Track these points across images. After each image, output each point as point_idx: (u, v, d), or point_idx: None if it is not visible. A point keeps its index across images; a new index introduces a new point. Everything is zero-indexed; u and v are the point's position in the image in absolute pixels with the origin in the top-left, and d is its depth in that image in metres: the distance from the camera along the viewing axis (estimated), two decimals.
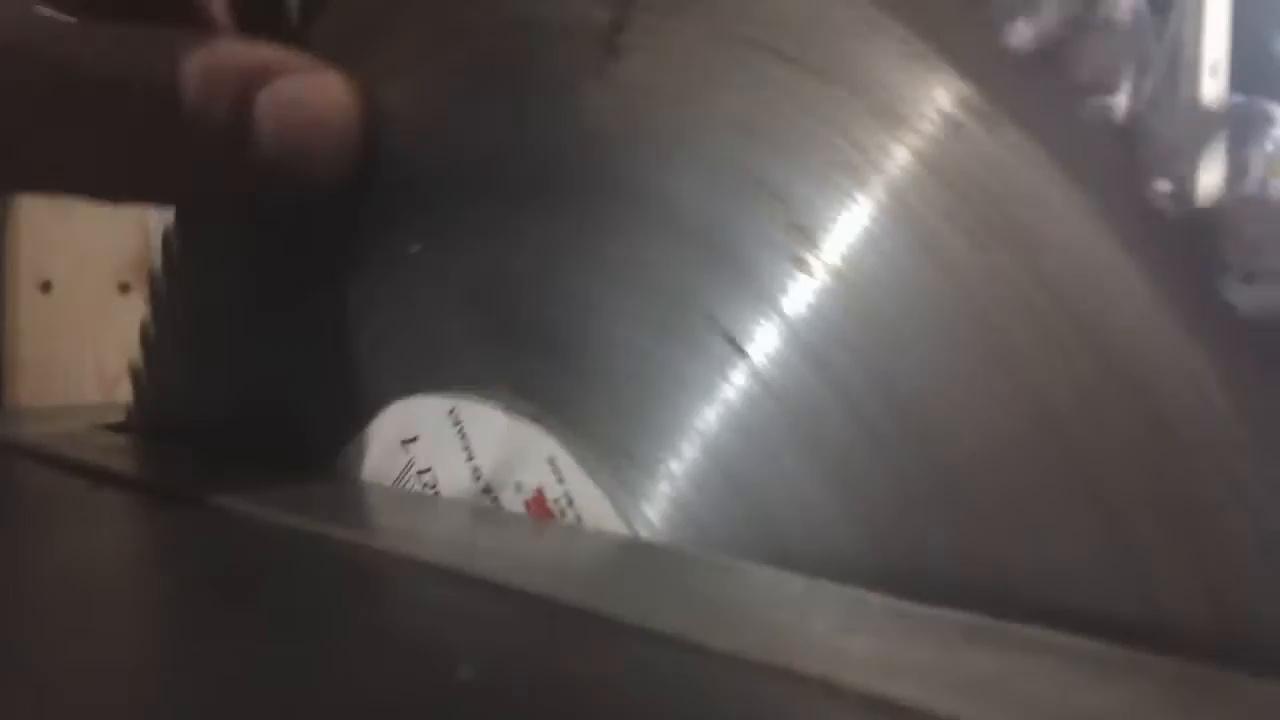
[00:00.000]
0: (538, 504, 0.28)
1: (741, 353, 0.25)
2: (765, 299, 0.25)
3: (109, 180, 0.28)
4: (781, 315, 0.24)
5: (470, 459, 0.29)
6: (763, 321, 0.25)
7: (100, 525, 0.28)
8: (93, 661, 0.18)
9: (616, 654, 0.18)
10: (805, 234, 0.24)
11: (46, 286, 0.64)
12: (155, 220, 0.65)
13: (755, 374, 0.25)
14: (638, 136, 0.27)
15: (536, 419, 0.28)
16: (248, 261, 0.36)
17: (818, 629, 0.19)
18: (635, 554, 0.24)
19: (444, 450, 0.30)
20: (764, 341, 0.25)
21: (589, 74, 0.27)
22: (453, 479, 0.29)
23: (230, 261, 0.36)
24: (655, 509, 0.26)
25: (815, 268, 0.24)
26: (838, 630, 0.19)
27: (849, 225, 0.24)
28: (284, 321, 0.34)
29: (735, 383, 0.25)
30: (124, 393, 0.40)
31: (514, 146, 0.29)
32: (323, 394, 0.33)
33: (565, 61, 0.28)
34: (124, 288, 0.65)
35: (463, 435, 0.30)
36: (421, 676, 0.18)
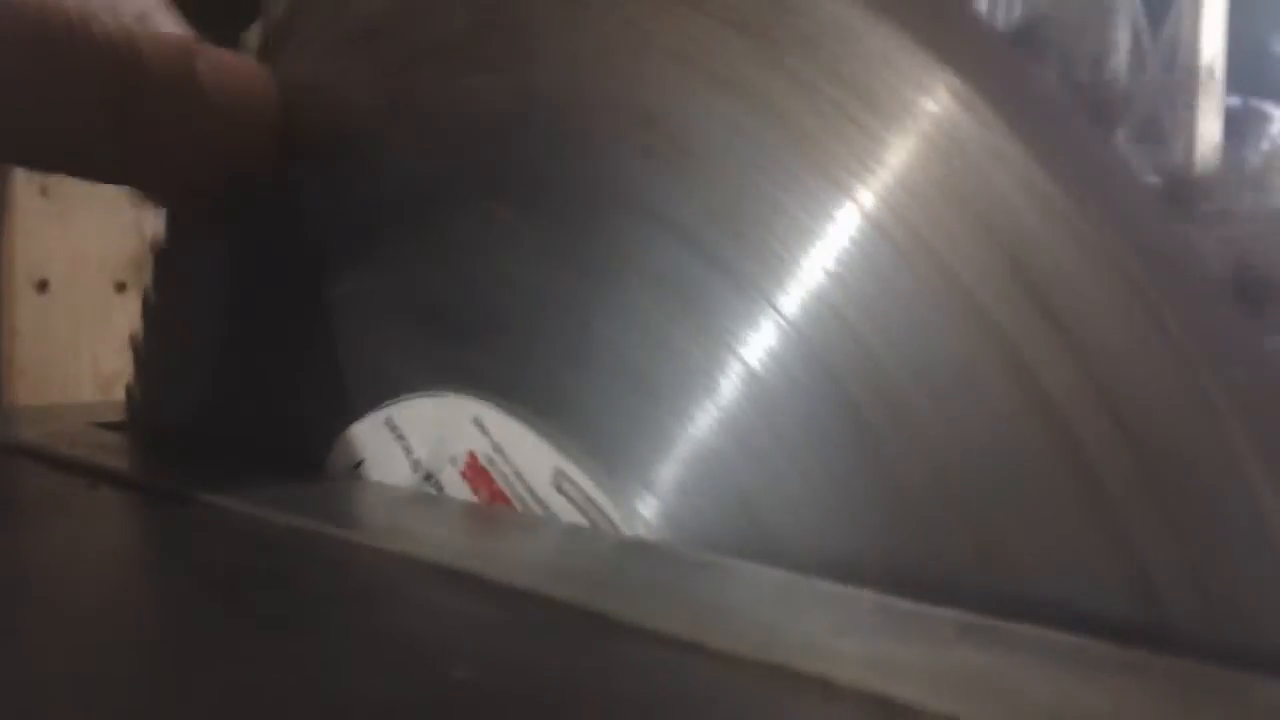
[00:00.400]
0: (472, 469, 0.29)
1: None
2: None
3: (87, 149, 0.30)
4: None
5: (409, 454, 0.30)
6: None
7: (98, 524, 0.28)
8: (91, 660, 0.18)
9: (612, 653, 0.18)
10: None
11: (43, 286, 0.64)
12: (152, 220, 0.65)
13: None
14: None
15: (458, 389, 0.29)
16: (220, 299, 0.36)
17: (814, 628, 0.19)
18: (632, 553, 0.24)
19: (387, 459, 0.30)
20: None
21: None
22: (399, 481, 0.30)
23: (206, 292, 0.37)
24: (572, 434, 0.27)
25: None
26: (833, 629, 0.19)
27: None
28: (253, 351, 0.35)
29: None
30: (121, 392, 0.40)
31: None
32: (287, 437, 0.34)
33: None
34: (120, 287, 0.65)
35: (400, 437, 0.30)
36: (417, 677, 0.18)
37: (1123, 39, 1.62)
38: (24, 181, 0.64)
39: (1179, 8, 1.66)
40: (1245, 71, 1.64)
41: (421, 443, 0.30)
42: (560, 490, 0.27)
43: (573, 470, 0.27)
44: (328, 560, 0.23)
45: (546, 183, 0.28)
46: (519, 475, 0.28)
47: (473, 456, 0.29)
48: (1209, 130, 1.54)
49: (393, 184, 0.32)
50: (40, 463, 0.33)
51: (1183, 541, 0.21)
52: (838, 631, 0.19)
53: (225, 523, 0.26)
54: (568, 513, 0.27)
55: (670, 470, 0.25)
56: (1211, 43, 1.55)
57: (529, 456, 0.28)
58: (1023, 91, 0.23)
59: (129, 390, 0.39)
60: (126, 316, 0.40)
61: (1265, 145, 1.74)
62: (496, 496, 0.28)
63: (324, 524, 0.25)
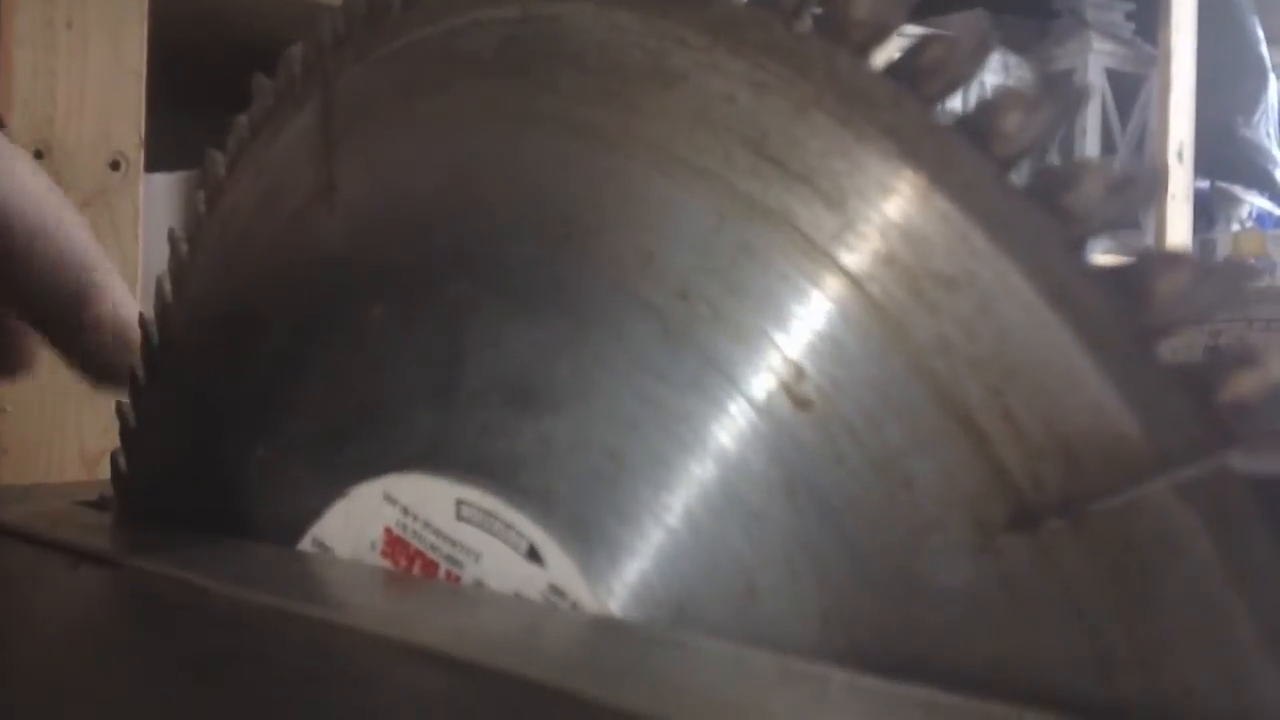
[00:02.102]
0: (389, 543, 0.29)
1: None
2: None
3: None
4: None
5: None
6: None
7: (77, 602, 0.28)
8: None
9: None
10: None
11: None
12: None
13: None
14: None
15: (363, 478, 0.30)
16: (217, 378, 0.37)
17: (781, 706, 0.20)
18: (605, 632, 0.25)
19: None
20: None
21: None
22: None
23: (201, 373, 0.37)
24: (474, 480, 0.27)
25: None
26: (802, 709, 0.20)
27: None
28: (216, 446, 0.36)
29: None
30: (106, 471, 0.40)
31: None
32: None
33: None
34: None
35: (327, 550, 0.31)
36: None
37: (1091, 123, 1.66)
38: None
39: (1148, 92, 1.70)
40: (1213, 155, 1.68)
41: (344, 545, 0.30)
42: (461, 518, 0.28)
43: (472, 495, 0.28)
44: (304, 639, 0.24)
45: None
46: (427, 525, 0.29)
47: (387, 531, 0.29)
48: (1179, 213, 1.57)
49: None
50: (21, 542, 0.33)
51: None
52: (804, 710, 0.20)
53: (203, 602, 0.26)
54: (474, 539, 0.27)
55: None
56: (1180, 126, 1.59)
57: (429, 500, 0.28)
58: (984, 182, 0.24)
59: (114, 461, 0.39)
60: (113, 397, 0.41)
61: (1234, 227, 1.78)
62: (415, 558, 0.29)
63: (300, 603, 0.25)
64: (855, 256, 0.24)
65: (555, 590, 0.26)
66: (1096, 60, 1.71)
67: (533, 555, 0.27)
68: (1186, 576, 0.21)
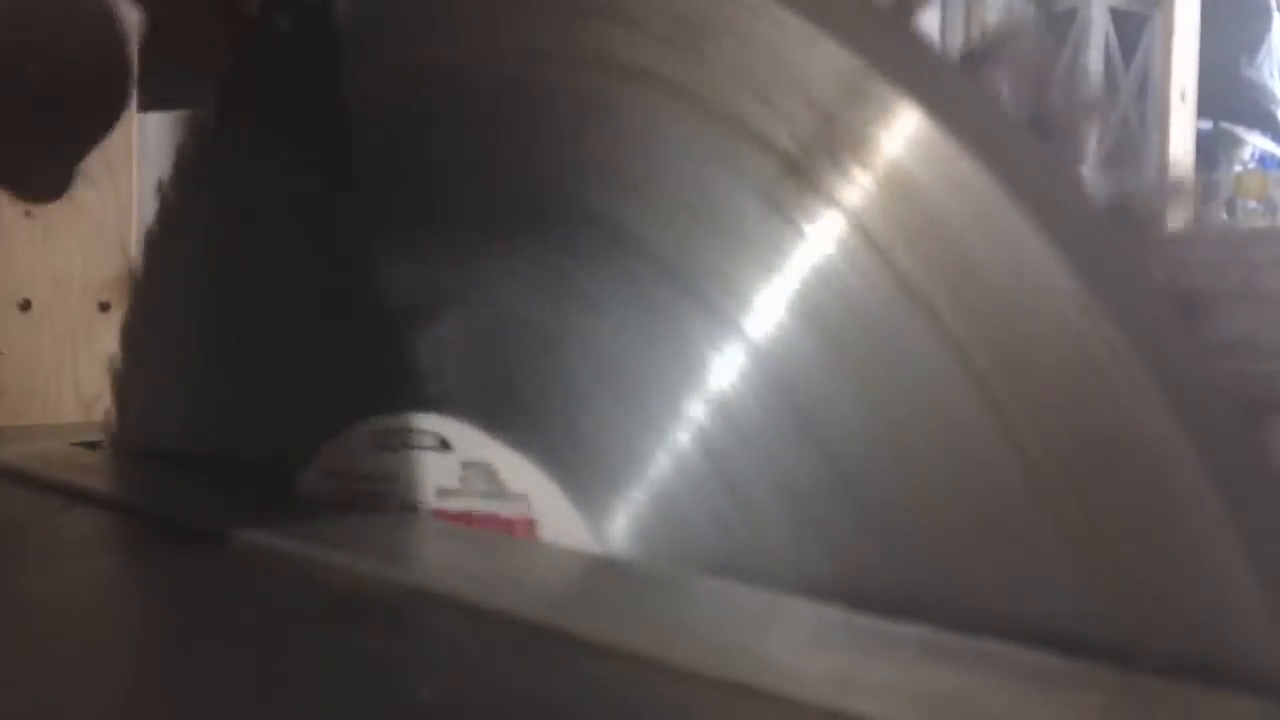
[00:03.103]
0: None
1: None
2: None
3: None
4: None
5: None
6: None
7: (70, 544, 0.28)
8: (60, 680, 0.19)
9: (578, 673, 0.19)
10: None
11: (26, 305, 0.64)
12: (136, 238, 0.65)
13: None
14: None
15: None
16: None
17: (778, 645, 0.20)
18: (601, 571, 0.25)
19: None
20: None
21: None
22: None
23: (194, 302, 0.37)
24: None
25: None
26: (797, 646, 0.20)
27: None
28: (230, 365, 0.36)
29: None
30: (102, 412, 0.40)
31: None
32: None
33: None
34: (104, 307, 0.65)
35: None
36: (384, 696, 0.18)
37: (1095, 64, 1.64)
38: (8, 203, 0.64)
39: (1151, 33, 1.68)
40: (1216, 95, 1.66)
41: None
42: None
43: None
44: (298, 578, 0.24)
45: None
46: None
47: None
48: (1181, 154, 1.56)
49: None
50: (17, 483, 0.33)
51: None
52: (801, 648, 0.20)
53: (195, 541, 0.26)
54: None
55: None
56: (1183, 68, 1.57)
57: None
58: (985, 120, 0.23)
59: (109, 407, 0.39)
60: (109, 336, 0.40)
61: (1236, 168, 1.76)
62: None
63: (293, 542, 0.25)
64: None
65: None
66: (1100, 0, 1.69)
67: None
68: None
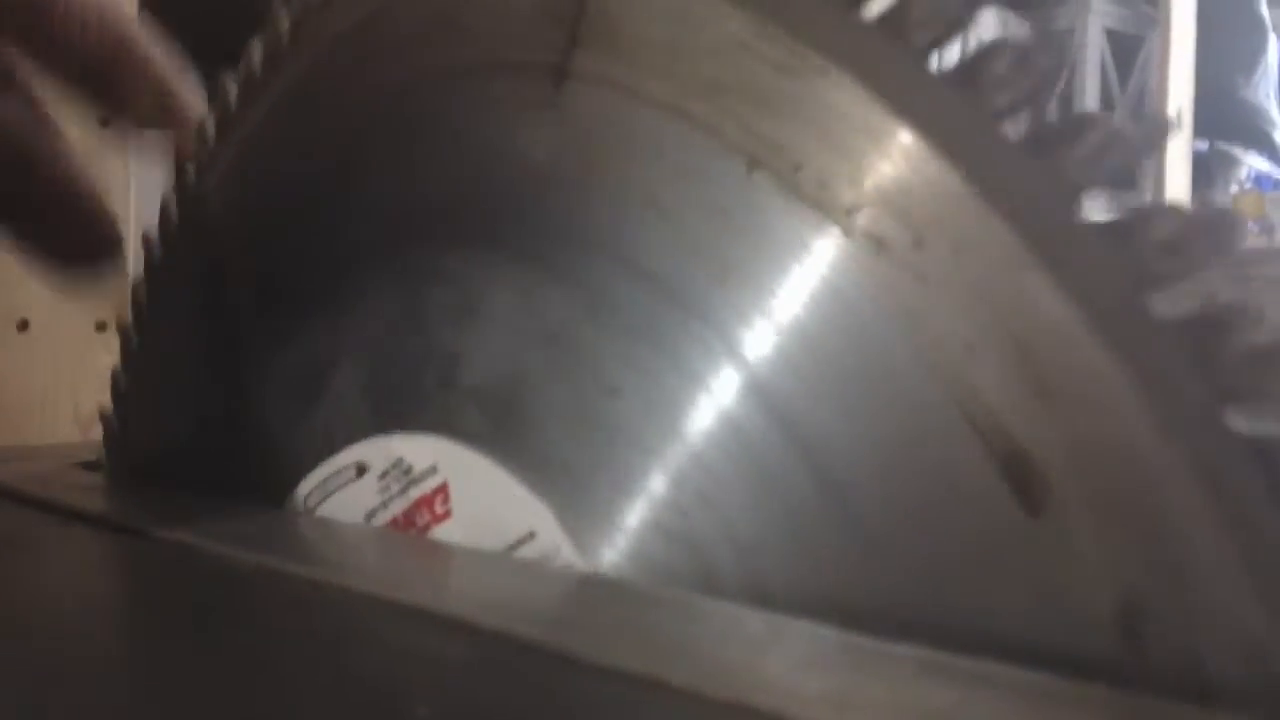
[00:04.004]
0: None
1: None
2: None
3: None
4: None
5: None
6: None
7: (67, 562, 0.28)
8: (53, 700, 0.18)
9: (574, 691, 0.19)
10: None
11: (24, 325, 0.64)
12: (134, 260, 0.65)
13: None
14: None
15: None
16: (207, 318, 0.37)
17: (774, 665, 0.20)
18: (597, 591, 0.25)
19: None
20: None
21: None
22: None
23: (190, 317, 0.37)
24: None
25: None
26: (794, 666, 0.20)
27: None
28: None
29: None
30: (99, 433, 0.40)
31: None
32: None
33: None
34: (101, 327, 0.66)
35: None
36: (380, 716, 0.18)
37: (1090, 84, 1.65)
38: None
39: (1147, 53, 1.69)
40: (1212, 115, 1.67)
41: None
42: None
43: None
44: (294, 598, 0.24)
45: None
46: None
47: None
48: (1178, 174, 1.56)
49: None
50: (13, 502, 0.33)
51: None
52: (798, 668, 0.20)
53: (194, 560, 0.26)
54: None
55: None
56: (1179, 88, 1.58)
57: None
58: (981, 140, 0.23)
59: (105, 422, 0.39)
60: (107, 356, 0.41)
61: (1233, 188, 1.77)
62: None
63: (290, 562, 0.25)
64: None
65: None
66: (1096, 20, 1.69)
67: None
68: None
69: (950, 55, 0.24)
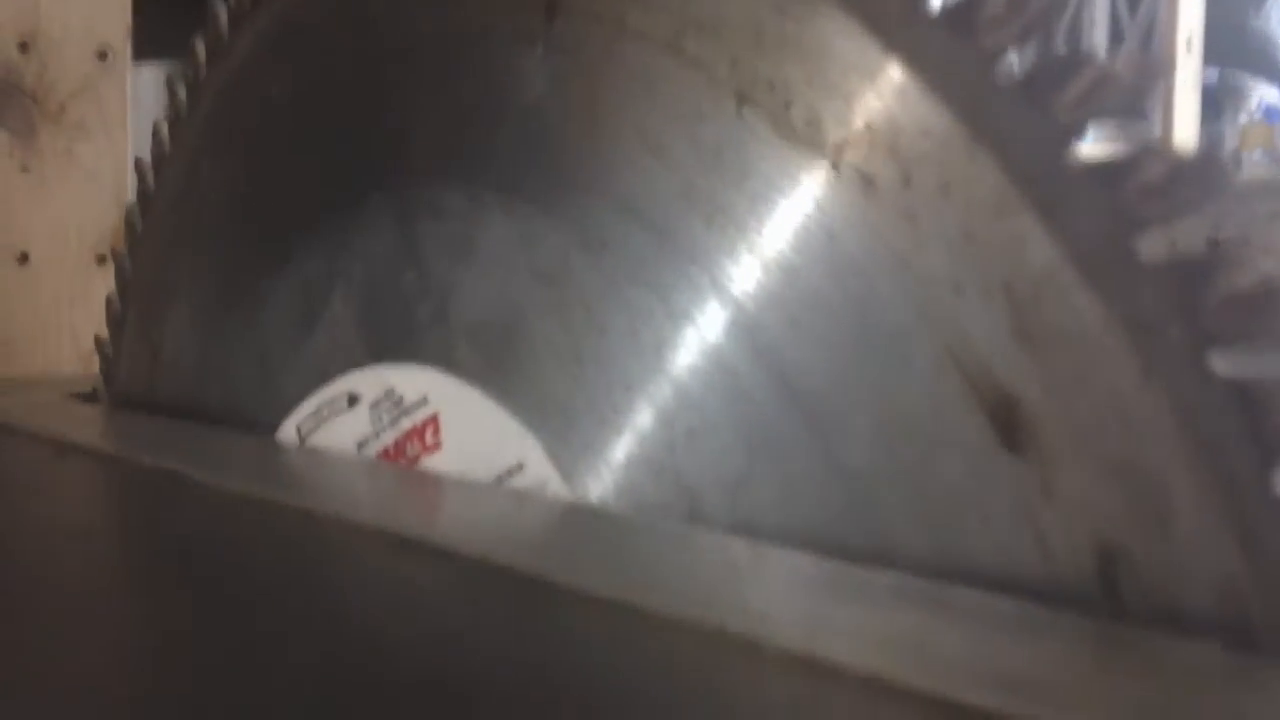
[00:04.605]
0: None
1: None
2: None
3: None
4: None
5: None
6: None
7: (60, 495, 0.28)
8: (41, 635, 0.19)
9: (551, 617, 0.19)
10: None
11: (23, 259, 0.64)
12: (131, 190, 0.65)
13: None
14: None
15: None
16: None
17: (751, 591, 0.20)
18: (581, 519, 0.25)
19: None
20: None
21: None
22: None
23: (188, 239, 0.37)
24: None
25: None
26: (769, 593, 0.20)
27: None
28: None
29: None
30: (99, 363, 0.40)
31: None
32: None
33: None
34: (101, 260, 0.66)
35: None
36: (357, 644, 0.18)
37: (1100, 13, 1.63)
38: (4, 156, 0.64)
39: None
40: (1222, 44, 1.64)
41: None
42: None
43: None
44: (281, 527, 0.24)
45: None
46: None
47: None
48: (1187, 104, 1.54)
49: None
50: (10, 434, 0.33)
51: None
52: (773, 594, 0.20)
53: (185, 489, 0.27)
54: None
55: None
56: (1189, 16, 1.56)
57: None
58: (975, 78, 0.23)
59: (101, 350, 0.39)
60: (106, 288, 0.41)
61: (1243, 118, 1.75)
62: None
63: (277, 491, 0.26)
64: None
65: (375, 404, 0.30)
66: None
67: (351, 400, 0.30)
68: None
69: None
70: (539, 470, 0.27)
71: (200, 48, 0.37)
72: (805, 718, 0.16)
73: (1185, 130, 1.54)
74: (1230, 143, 1.71)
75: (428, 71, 0.31)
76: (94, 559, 0.23)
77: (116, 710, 0.15)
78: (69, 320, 0.65)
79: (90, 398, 0.40)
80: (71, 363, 0.64)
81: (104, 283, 0.65)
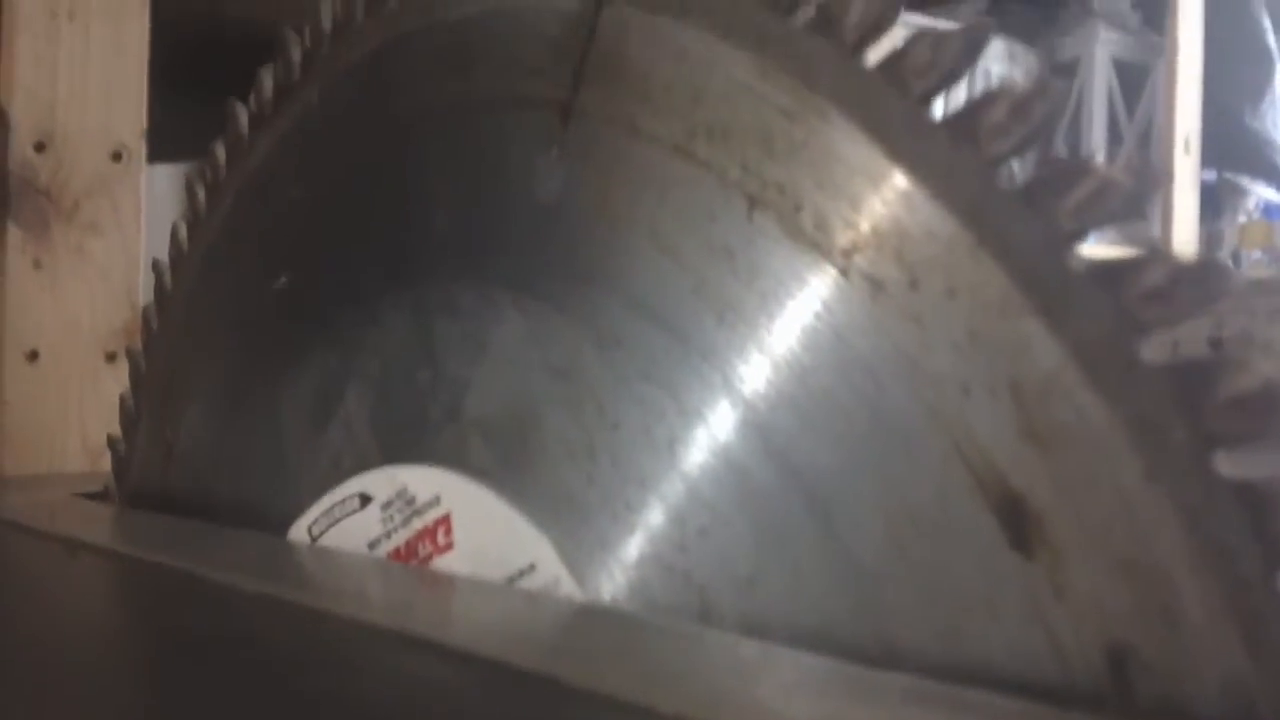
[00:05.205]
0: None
1: None
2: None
3: None
4: None
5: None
6: None
7: (74, 592, 0.28)
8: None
9: (565, 718, 0.19)
10: None
11: (33, 356, 0.65)
12: (143, 290, 0.65)
13: None
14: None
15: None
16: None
17: (765, 691, 0.20)
18: (593, 619, 0.25)
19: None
20: None
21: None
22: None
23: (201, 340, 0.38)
24: None
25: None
26: (784, 693, 0.20)
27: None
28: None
29: None
30: (108, 463, 0.40)
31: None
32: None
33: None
34: (110, 357, 0.66)
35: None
36: None
37: (1098, 114, 1.65)
38: (17, 252, 0.65)
39: (1154, 82, 1.69)
40: (1220, 145, 1.67)
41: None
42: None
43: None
44: (294, 626, 0.24)
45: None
46: None
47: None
48: (1186, 204, 1.56)
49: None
50: (20, 532, 0.33)
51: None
52: (788, 694, 0.20)
53: (198, 589, 0.27)
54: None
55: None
56: (1186, 116, 1.58)
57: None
58: (977, 185, 0.24)
59: (114, 449, 0.40)
60: (116, 386, 0.41)
61: (1241, 218, 1.77)
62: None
63: (292, 591, 0.26)
64: None
65: (386, 504, 0.30)
66: (1103, 50, 1.70)
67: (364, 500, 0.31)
68: None
69: (954, 99, 0.24)
70: (551, 570, 0.27)
71: (220, 149, 0.38)
72: None
73: (1184, 230, 1.56)
74: (1230, 242, 1.72)
75: (446, 175, 0.32)
76: (104, 657, 0.23)
77: None
78: (78, 418, 0.65)
79: (99, 496, 0.40)
80: (79, 460, 0.65)
81: (113, 380, 0.65)
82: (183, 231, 0.39)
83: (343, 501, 0.31)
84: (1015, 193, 0.23)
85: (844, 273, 0.25)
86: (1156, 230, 1.59)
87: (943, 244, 0.23)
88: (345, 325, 0.33)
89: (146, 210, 0.69)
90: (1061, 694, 0.21)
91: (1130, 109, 1.70)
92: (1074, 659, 0.21)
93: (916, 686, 0.20)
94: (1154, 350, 0.21)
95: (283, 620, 0.25)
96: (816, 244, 0.25)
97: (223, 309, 0.37)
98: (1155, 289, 0.21)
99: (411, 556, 0.29)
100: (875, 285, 0.24)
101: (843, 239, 0.25)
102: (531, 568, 0.27)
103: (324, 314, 0.34)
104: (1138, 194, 0.23)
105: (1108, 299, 0.21)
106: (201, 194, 0.38)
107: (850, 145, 0.25)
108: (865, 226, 0.24)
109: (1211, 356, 0.20)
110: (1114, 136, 1.68)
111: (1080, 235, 0.22)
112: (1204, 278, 0.21)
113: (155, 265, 0.39)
